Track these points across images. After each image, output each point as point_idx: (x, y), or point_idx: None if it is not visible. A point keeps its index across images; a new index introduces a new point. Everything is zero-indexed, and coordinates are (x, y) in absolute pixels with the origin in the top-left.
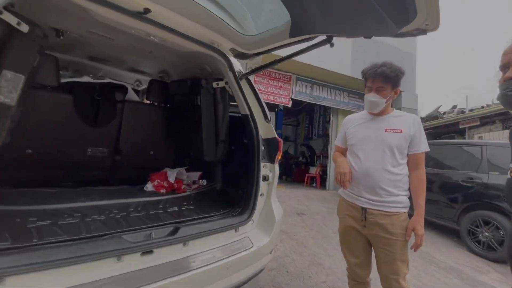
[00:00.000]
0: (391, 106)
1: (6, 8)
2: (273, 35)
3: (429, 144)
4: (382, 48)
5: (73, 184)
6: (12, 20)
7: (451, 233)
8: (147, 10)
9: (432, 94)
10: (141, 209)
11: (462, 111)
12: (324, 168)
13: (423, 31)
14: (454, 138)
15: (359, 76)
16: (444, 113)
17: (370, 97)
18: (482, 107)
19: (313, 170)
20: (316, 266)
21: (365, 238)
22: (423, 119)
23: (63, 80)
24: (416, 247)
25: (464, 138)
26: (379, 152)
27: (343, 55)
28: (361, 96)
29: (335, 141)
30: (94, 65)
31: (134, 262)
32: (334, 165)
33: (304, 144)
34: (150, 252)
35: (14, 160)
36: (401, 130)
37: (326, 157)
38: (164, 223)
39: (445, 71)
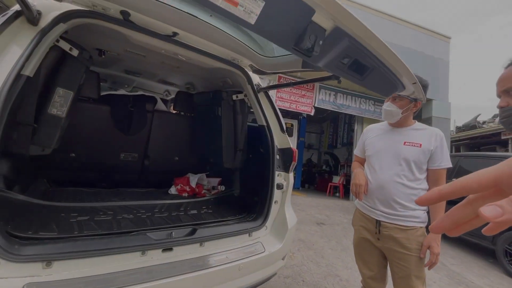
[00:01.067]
0: (413, 119)
1: (61, 36)
2: (288, 62)
3: (463, 156)
4: (412, 55)
5: (107, 185)
6: (65, 46)
7: (486, 253)
8: (175, 34)
9: (470, 102)
10: (164, 211)
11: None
12: (348, 177)
13: (415, 99)
14: (496, 150)
15: None
16: (484, 122)
17: (386, 106)
18: None
19: (337, 180)
20: (332, 277)
21: (379, 251)
22: (460, 129)
23: (102, 92)
24: (430, 265)
25: (507, 150)
26: (395, 165)
27: None
28: None
29: (355, 151)
30: (129, 78)
31: (156, 257)
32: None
33: (328, 153)
34: (170, 249)
35: (61, 162)
36: (420, 144)
37: (350, 166)
38: (183, 224)
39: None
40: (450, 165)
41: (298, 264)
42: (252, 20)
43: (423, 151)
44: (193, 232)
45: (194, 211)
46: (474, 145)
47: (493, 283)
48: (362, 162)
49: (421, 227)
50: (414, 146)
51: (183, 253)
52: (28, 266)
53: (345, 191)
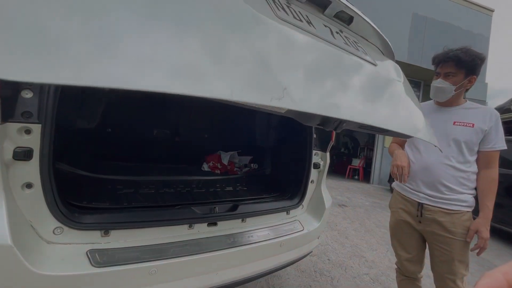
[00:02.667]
0: (464, 98)
1: None
2: None
3: None
4: (447, 29)
5: (143, 160)
6: None
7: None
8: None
9: (504, 83)
10: (201, 186)
11: None
12: (368, 160)
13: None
14: None
15: (417, 62)
16: None
17: (437, 83)
18: None
19: (356, 162)
20: (358, 257)
21: (419, 234)
22: None
23: None
24: (480, 250)
25: None
26: (443, 145)
27: (398, 39)
28: (416, 85)
29: None
30: None
31: (202, 231)
32: (384, 158)
33: (348, 135)
34: (215, 224)
35: (99, 137)
36: (473, 124)
37: (371, 149)
38: (225, 200)
39: None
40: (505, 147)
41: (323, 243)
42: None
43: (475, 131)
44: (234, 208)
45: (230, 188)
46: (508, 129)
47: None
48: (400, 143)
49: (468, 211)
50: (466, 126)
51: (227, 227)
52: (88, 233)
53: (365, 174)
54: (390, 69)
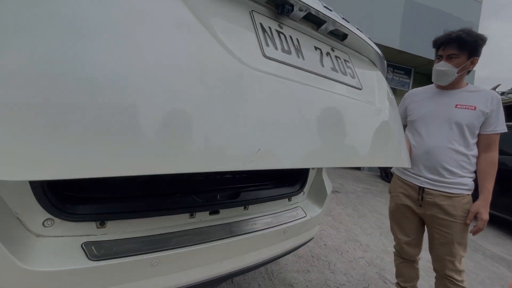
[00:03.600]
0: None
1: None
2: None
3: None
4: (438, 16)
5: None
6: None
7: (503, 224)
8: None
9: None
10: (200, 174)
11: (504, 93)
12: None
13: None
14: None
15: (408, 49)
16: (503, 93)
17: (439, 66)
18: None
19: None
20: (353, 242)
21: (419, 218)
22: None
23: None
24: (476, 231)
25: None
26: (445, 129)
27: (390, 25)
28: (407, 72)
29: None
30: None
31: (204, 219)
32: None
33: None
34: (217, 212)
35: None
36: (475, 107)
37: None
38: (225, 187)
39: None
40: (506, 130)
41: (319, 229)
42: None
43: (477, 114)
44: (236, 195)
45: (229, 175)
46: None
47: (509, 252)
48: None
49: (468, 194)
50: (468, 109)
51: (229, 215)
52: (83, 225)
53: None
54: (375, 90)
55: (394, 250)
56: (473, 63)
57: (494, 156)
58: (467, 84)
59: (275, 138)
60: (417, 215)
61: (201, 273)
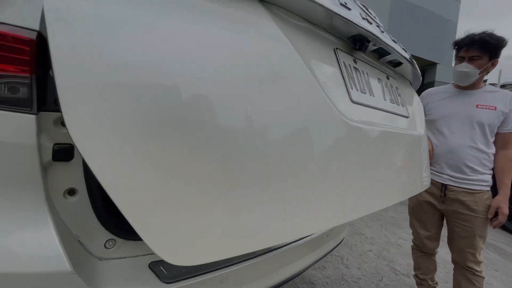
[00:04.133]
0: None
1: None
2: None
3: None
4: (423, 14)
5: None
6: None
7: None
8: None
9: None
10: None
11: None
12: None
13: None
14: None
15: None
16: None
17: (462, 67)
18: None
19: None
20: (358, 235)
21: (440, 213)
22: None
23: None
24: (497, 224)
25: None
26: (467, 129)
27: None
28: None
29: None
30: None
31: None
32: None
33: None
34: None
35: None
36: (495, 107)
37: None
38: None
39: None
40: None
41: None
42: None
43: (498, 114)
44: None
45: None
46: None
47: (495, 237)
48: None
49: (488, 190)
50: (489, 109)
51: None
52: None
53: None
54: (416, 115)
55: (413, 244)
56: (494, 65)
57: (511, 153)
58: (485, 84)
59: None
60: (438, 211)
61: (261, 283)
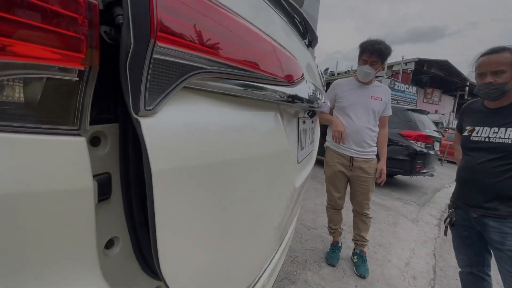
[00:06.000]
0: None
1: None
2: None
3: None
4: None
5: None
6: None
7: None
8: None
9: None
10: None
11: (333, 74)
12: None
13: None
14: None
15: None
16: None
17: (365, 68)
18: (348, 71)
19: None
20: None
21: (347, 178)
22: None
23: None
24: (382, 181)
25: None
26: (366, 114)
27: None
28: None
29: None
30: None
31: None
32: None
33: None
34: None
35: None
36: (381, 98)
37: None
38: None
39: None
40: (391, 113)
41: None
42: None
43: (383, 103)
44: None
45: None
46: None
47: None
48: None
49: (375, 158)
50: (378, 99)
51: None
52: None
53: None
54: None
55: (327, 204)
56: (382, 67)
57: (387, 130)
58: (374, 80)
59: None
60: (346, 177)
61: None
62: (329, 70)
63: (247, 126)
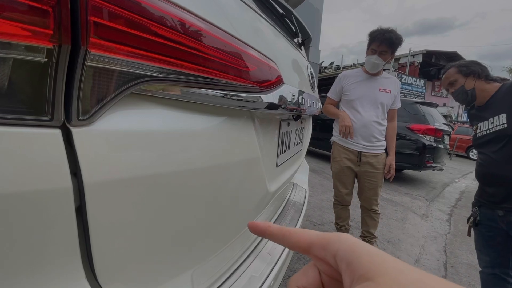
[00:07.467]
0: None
1: None
2: None
3: None
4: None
5: None
6: None
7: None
8: None
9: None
10: None
11: (338, 68)
12: None
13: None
14: None
15: None
16: (325, 68)
17: (374, 59)
18: (353, 65)
19: None
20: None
21: (355, 174)
22: None
23: None
24: (391, 177)
25: None
26: (374, 108)
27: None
28: None
29: (329, 94)
30: None
31: None
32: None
33: None
34: None
35: None
36: (390, 91)
37: None
38: None
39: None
40: (400, 106)
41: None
42: None
43: (392, 96)
44: None
45: None
46: (318, 86)
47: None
48: (335, 104)
49: (384, 152)
50: (387, 92)
51: None
52: None
53: None
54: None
55: (334, 200)
56: (392, 58)
57: (396, 124)
58: (383, 71)
59: None
60: (354, 172)
61: None
62: (335, 64)
63: (209, 134)
